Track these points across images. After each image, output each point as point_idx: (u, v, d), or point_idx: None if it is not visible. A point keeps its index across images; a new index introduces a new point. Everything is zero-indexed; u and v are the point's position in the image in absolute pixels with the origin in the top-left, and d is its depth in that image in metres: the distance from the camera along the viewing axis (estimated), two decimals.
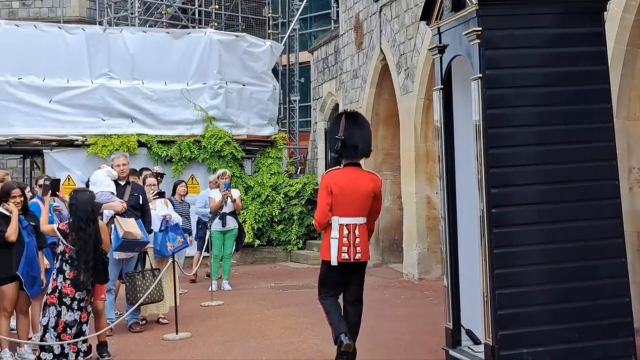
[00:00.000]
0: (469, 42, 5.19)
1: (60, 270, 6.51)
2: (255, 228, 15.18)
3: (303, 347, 7.38)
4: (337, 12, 17.23)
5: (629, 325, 5.23)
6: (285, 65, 20.70)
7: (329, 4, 20.21)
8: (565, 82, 5.26)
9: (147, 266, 8.72)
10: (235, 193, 11.63)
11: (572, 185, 5.23)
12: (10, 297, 6.86)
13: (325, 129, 16.66)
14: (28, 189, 8.35)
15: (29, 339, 7.02)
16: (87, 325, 6.62)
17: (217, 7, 21.70)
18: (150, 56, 15.05)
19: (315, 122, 18.45)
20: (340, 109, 15.06)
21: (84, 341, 6.64)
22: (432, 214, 11.37)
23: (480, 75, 5.10)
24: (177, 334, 8.09)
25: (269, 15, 21.95)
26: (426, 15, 5.99)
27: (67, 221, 6.72)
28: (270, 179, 15.65)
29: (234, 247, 11.65)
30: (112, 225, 8.22)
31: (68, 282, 6.48)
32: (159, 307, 8.81)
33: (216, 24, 20.91)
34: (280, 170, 16.02)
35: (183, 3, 21.34)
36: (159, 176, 10.84)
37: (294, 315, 9.06)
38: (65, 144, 14.52)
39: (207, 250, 11.29)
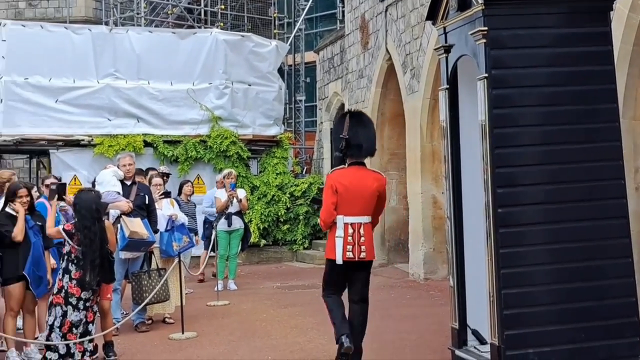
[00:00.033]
0: (474, 42, 5.19)
1: (66, 270, 6.53)
2: (261, 228, 15.19)
3: (309, 347, 7.38)
4: (343, 12, 17.23)
5: (635, 326, 5.22)
6: (291, 65, 20.71)
7: (335, 4, 20.22)
8: (572, 82, 5.25)
9: (153, 266, 8.74)
10: (241, 193, 11.64)
11: (578, 185, 5.22)
12: (16, 296, 6.89)
13: (331, 128, 16.67)
14: (35, 188, 8.37)
15: (36, 338, 7.03)
16: (93, 324, 6.63)
17: (223, 7, 21.73)
18: (156, 56, 15.08)
19: (321, 122, 18.45)
20: (346, 109, 15.05)
21: (90, 341, 6.65)
22: (438, 213, 11.36)
23: (486, 75, 5.09)
24: (183, 333, 8.10)
25: (275, 15, 21.97)
26: (432, 15, 5.98)
27: (73, 221, 6.73)
28: (276, 178, 15.67)
29: (239, 247, 11.66)
30: (118, 225, 8.23)
31: (74, 282, 6.50)
32: (165, 307, 8.83)
33: (222, 24, 20.94)
34: (286, 170, 16.03)
35: (189, 3, 21.37)
36: (165, 176, 10.85)
37: (299, 315, 9.07)
38: (72, 144, 14.56)
39: (213, 250, 11.31)
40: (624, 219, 5.27)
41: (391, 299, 10.05)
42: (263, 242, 15.26)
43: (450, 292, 5.79)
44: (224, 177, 11.52)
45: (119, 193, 8.48)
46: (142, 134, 14.81)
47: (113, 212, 8.40)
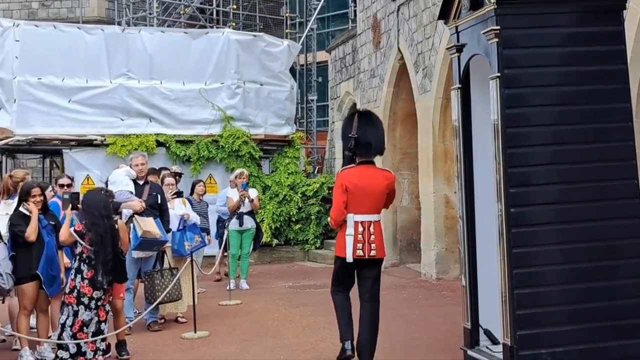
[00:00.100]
0: (487, 41, 5.18)
1: (79, 270, 6.55)
2: (273, 227, 15.20)
3: (321, 347, 7.39)
4: (355, 11, 17.23)
5: None
6: (302, 65, 20.72)
7: (347, 4, 20.21)
8: (584, 81, 5.23)
9: (166, 265, 8.77)
10: (253, 193, 11.66)
11: (591, 185, 5.20)
12: (30, 295, 6.93)
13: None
14: (50, 188, 8.42)
15: (49, 337, 7.07)
16: (105, 324, 6.65)
17: (235, 7, 21.77)
18: (168, 56, 15.11)
19: (333, 122, 18.45)
20: (359, 108, 15.04)
21: (103, 340, 6.67)
22: (450, 213, 11.33)
23: (499, 74, 5.08)
24: (195, 332, 8.13)
25: (287, 15, 21.99)
26: (444, 14, 5.97)
27: (84, 222, 6.75)
28: (287, 178, 15.67)
29: (252, 247, 11.69)
30: (131, 225, 8.27)
31: (86, 281, 6.52)
32: (177, 306, 8.86)
33: (234, 24, 20.98)
34: (297, 170, 16.03)
35: (201, 3, 21.42)
36: (177, 176, 10.88)
37: (311, 314, 9.07)
38: (85, 143, 14.61)
39: (225, 249, 11.35)
40: (636, 219, 5.24)
41: (403, 299, 10.04)
42: (275, 241, 15.28)
43: (463, 292, 5.79)
44: (235, 177, 11.54)
45: (131, 192, 8.52)
46: (155, 134, 14.84)
47: (126, 212, 8.43)
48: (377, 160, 6.50)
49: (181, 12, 21.25)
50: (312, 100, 20.42)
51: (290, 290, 11.42)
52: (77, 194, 7.39)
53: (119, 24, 20.13)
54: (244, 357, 7.25)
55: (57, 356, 6.55)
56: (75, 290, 6.52)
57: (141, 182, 8.71)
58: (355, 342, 6.36)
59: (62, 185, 8.40)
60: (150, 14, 20.25)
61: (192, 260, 8.65)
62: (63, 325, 6.52)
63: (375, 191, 6.31)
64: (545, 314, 5.08)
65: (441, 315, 8.64)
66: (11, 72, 14.35)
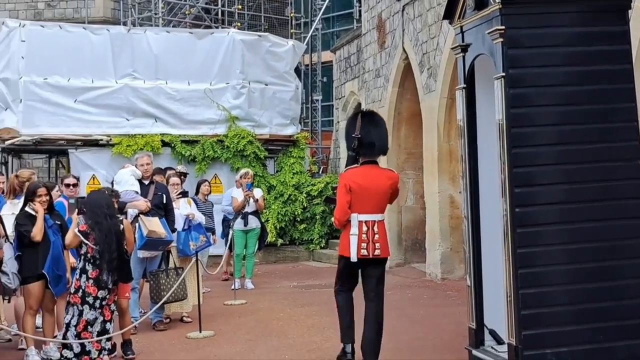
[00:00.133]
0: (491, 41, 5.18)
1: (84, 270, 6.57)
2: (278, 227, 15.22)
3: (325, 346, 7.39)
4: (360, 11, 17.22)
5: None
6: (307, 65, 20.72)
7: (352, 4, 20.20)
8: (589, 81, 5.22)
9: (171, 265, 8.78)
10: (258, 193, 11.68)
11: (596, 185, 5.19)
12: (36, 295, 6.95)
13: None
14: (57, 188, 8.45)
15: (55, 337, 7.09)
16: (111, 323, 6.67)
17: (240, 7, 21.77)
18: (173, 56, 15.14)
19: (338, 122, 18.44)
20: (363, 108, 15.04)
21: (109, 339, 6.69)
22: (455, 213, 11.33)
23: (504, 74, 5.08)
24: (200, 332, 8.14)
25: (292, 15, 21.99)
26: (449, 14, 5.97)
27: (87, 222, 6.77)
28: (292, 178, 15.69)
29: (256, 246, 11.70)
30: (137, 224, 8.28)
31: (91, 281, 6.54)
32: (182, 306, 8.87)
33: (239, 24, 21.00)
34: (302, 170, 16.04)
35: (206, 3, 21.43)
36: (183, 175, 10.90)
37: (316, 314, 9.08)
38: (90, 143, 14.64)
39: (231, 249, 11.36)
40: None
41: (408, 298, 10.04)
42: (280, 241, 15.29)
43: (468, 291, 5.78)
44: (240, 177, 11.56)
45: (137, 192, 8.54)
46: (160, 134, 14.87)
47: (131, 212, 8.46)
48: (382, 160, 6.50)
49: (186, 12, 21.27)
50: (317, 100, 20.43)
51: (295, 290, 11.43)
52: (84, 198, 7.43)
53: (125, 24, 20.15)
54: (249, 356, 7.26)
55: (62, 355, 6.57)
56: (80, 290, 6.54)
57: (146, 182, 8.73)
58: (356, 344, 6.42)
59: (68, 185, 8.43)
60: (155, 14, 20.27)
61: (197, 260, 8.66)
62: (68, 325, 6.55)
63: (379, 191, 6.35)
64: (550, 314, 5.07)
65: (446, 315, 8.64)
66: (17, 72, 14.40)
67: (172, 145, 14.91)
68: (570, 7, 5.28)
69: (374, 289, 6.38)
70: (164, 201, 8.70)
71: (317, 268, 14.28)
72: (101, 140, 14.63)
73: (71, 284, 6.92)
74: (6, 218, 7.06)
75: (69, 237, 6.73)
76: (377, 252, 6.29)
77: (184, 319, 8.98)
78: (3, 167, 14.83)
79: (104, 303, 6.58)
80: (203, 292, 9.28)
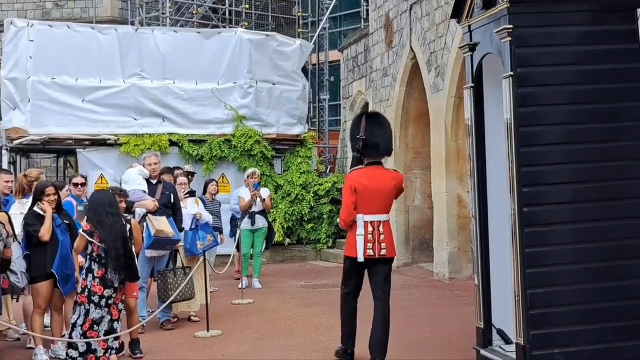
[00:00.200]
0: (500, 40, 5.17)
1: (90, 270, 6.59)
2: (285, 227, 15.22)
3: (333, 346, 7.37)
4: (367, 10, 17.20)
5: None
6: (315, 64, 20.73)
7: (359, 3, 20.19)
8: (598, 80, 5.21)
9: (179, 264, 8.80)
10: (265, 192, 11.69)
11: (604, 184, 5.18)
12: (44, 294, 6.97)
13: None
14: (67, 187, 8.47)
15: (63, 336, 7.11)
16: (118, 323, 6.68)
17: (247, 6, 21.79)
18: (181, 56, 15.16)
19: (345, 121, 18.43)
20: (370, 108, 15.05)
21: (117, 338, 6.71)
22: (463, 213, 11.31)
23: (512, 73, 5.07)
24: (208, 331, 8.15)
25: (299, 14, 22.00)
26: (457, 13, 5.96)
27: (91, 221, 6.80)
28: (300, 178, 15.69)
29: (264, 246, 11.71)
30: (145, 224, 8.30)
31: (97, 280, 6.55)
32: (190, 305, 8.88)
33: (247, 24, 21.01)
34: (310, 169, 16.04)
35: (214, 3, 21.45)
36: (190, 175, 10.92)
37: (323, 313, 9.08)
38: (98, 143, 14.68)
39: (237, 248, 11.37)
40: None
41: (416, 298, 10.03)
42: (287, 241, 15.29)
43: (476, 291, 5.77)
44: (247, 177, 11.57)
45: (145, 192, 8.55)
46: (168, 134, 14.89)
47: (139, 211, 8.47)
48: (389, 159, 6.52)
49: (194, 12, 21.29)
50: (325, 100, 20.43)
51: (303, 290, 11.43)
52: None
53: (132, 24, 20.19)
54: (257, 356, 7.27)
55: (67, 355, 6.59)
56: (87, 290, 6.55)
57: (154, 182, 8.75)
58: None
59: (76, 185, 8.46)
60: (163, 14, 20.30)
61: (204, 260, 8.67)
62: (74, 325, 6.56)
63: (384, 191, 6.42)
64: (558, 314, 5.06)
65: (454, 314, 8.63)
66: (25, 72, 14.45)
67: (180, 144, 14.93)
68: (578, 6, 5.27)
69: (381, 287, 6.44)
70: (172, 201, 8.71)
71: (324, 268, 14.28)
72: (109, 140, 14.66)
73: (79, 284, 6.94)
74: (15, 218, 7.08)
75: (76, 242, 6.77)
76: (383, 252, 6.36)
77: (192, 318, 8.99)
78: (12, 167, 14.88)
79: (110, 302, 6.58)
80: (211, 292, 9.29)
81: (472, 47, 5.73)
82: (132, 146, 14.48)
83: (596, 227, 5.14)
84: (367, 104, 16.46)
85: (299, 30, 21.45)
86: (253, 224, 11.38)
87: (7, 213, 6.83)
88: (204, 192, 11.58)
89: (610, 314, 5.10)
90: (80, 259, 7.33)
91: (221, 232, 11.28)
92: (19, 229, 7.02)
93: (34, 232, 6.87)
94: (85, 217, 6.89)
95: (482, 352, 5.66)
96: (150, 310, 8.90)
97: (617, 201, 5.19)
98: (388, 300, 6.45)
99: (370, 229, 6.34)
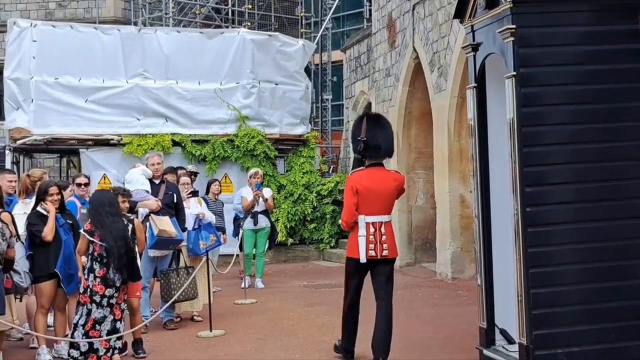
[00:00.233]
0: (502, 40, 5.17)
1: (91, 270, 6.60)
2: (288, 227, 15.22)
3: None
4: (370, 10, 17.20)
5: None
6: (317, 64, 20.72)
7: (362, 3, 20.19)
8: (600, 80, 5.21)
9: (182, 264, 8.80)
10: (267, 192, 11.70)
11: (606, 184, 5.18)
12: (47, 294, 6.98)
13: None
14: (70, 187, 8.48)
15: (66, 336, 7.12)
16: (121, 322, 6.69)
17: (250, 6, 21.80)
18: (184, 56, 15.16)
19: (348, 121, 18.43)
20: (373, 108, 15.05)
21: (119, 338, 6.71)
22: (466, 212, 11.30)
23: (515, 73, 5.07)
24: (211, 331, 8.16)
25: (302, 14, 22.00)
26: (459, 13, 5.96)
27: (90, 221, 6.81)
28: (302, 177, 15.68)
29: (267, 246, 11.72)
30: (147, 224, 8.31)
31: (98, 280, 6.56)
32: (193, 305, 8.88)
33: (249, 24, 21.01)
34: (312, 169, 16.04)
35: (217, 3, 21.47)
36: (193, 175, 10.92)
37: (326, 313, 9.08)
38: (101, 143, 14.69)
39: (240, 248, 11.38)
40: None
41: (418, 298, 10.02)
42: (290, 240, 15.30)
43: (478, 291, 5.78)
44: (250, 177, 11.58)
45: (147, 192, 8.56)
46: (171, 134, 14.89)
47: (142, 211, 8.48)
48: (392, 159, 6.54)
49: (197, 12, 21.30)
50: (327, 100, 20.43)
51: (305, 290, 11.43)
52: None
53: (135, 24, 20.22)
54: (259, 355, 7.27)
55: (69, 355, 6.59)
56: (89, 289, 6.56)
57: (157, 181, 8.76)
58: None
59: (79, 185, 8.47)
60: (166, 14, 20.33)
61: (207, 259, 8.68)
62: (76, 325, 6.57)
63: (385, 192, 6.45)
64: (561, 313, 5.07)
65: (456, 314, 8.63)
66: (28, 72, 14.46)
67: (183, 144, 14.94)
68: (581, 6, 5.27)
69: (384, 287, 6.47)
70: (175, 200, 8.72)
71: (327, 267, 14.28)
72: (112, 139, 14.67)
73: (82, 283, 6.96)
74: (18, 217, 7.09)
75: (79, 243, 6.79)
76: (385, 252, 6.40)
77: (195, 318, 9.00)
78: (15, 167, 14.88)
79: (112, 301, 6.59)
80: (213, 291, 9.29)
81: (475, 47, 5.73)
82: (135, 146, 14.48)
83: (599, 227, 5.14)
84: (369, 104, 16.45)
85: (302, 30, 21.45)
86: (255, 223, 11.39)
87: (10, 213, 6.83)
88: (207, 192, 11.58)
89: (614, 314, 5.10)
90: (83, 259, 7.35)
91: (224, 232, 11.29)
92: (22, 229, 7.02)
93: (37, 231, 6.88)
94: (89, 219, 6.91)
95: (485, 351, 5.66)
96: (153, 310, 8.91)
97: (620, 201, 5.19)
98: (390, 300, 6.47)
99: (371, 229, 6.37)
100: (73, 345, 6.56)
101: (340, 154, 19.07)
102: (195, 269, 8.45)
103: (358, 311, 6.69)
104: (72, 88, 14.60)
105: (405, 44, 13.28)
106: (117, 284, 6.60)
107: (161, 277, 8.55)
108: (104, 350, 6.57)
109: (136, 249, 7.13)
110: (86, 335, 6.51)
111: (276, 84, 15.83)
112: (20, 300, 7.55)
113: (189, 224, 8.88)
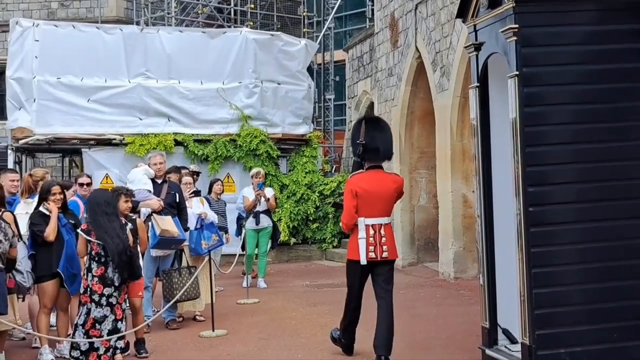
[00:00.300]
0: (505, 40, 5.16)
1: (89, 269, 6.61)
2: (291, 226, 15.22)
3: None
4: (372, 10, 17.20)
5: None
6: (320, 64, 20.72)
7: (364, 3, 20.19)
8: (603, 79, 5.20)
9: (184, 264, 8.80)
10: (269, 192, 11.69)
11: (610, 184, 5.17)
12: (50, 294, 6.98)
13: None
14: (74, 187, 8.48)
15: (68, 335, 7.12)
16: (122, 322, 6.68)
17: (252, 6, 21.80)
18: (186, 56, 15.16)
19: (350, 121, 18.43)
20: (375, 107, 15.05)
21: (122, 338, 6.71)
22: (468, 212, 11.29)
23: (517, 72, 5.07)
24: (213, 331, 8.16)
25: (304, 14, 22.01)
26: (462, 13, 5.96)
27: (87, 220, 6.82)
28: (305, 177, 15.68)
29: (269, 245, 11.72)
30: (150, 223, 8.31)
31: (96, 279, 6.56)
32: (195, 305, 8.88)
33: (252, 23, 21.02)
34: (315, 169, 16.03)
35: (219, 3, 21.48)
36: (195, 175, 10.92)
37: (329, 313, 9.07)
38: (103, 142, 14.69)
39: (242, 248, 11.38)
40: None
41: (421, 298, 10.02)
42: (292, 240, 15.29)
43: (481, 291, 5.77)
44: (252, 177, 11.58)
45: (150, 191, 8.57)
46: (173, 133, 14.89)
47: (144, 210, 8.48)
48: (394, 158, 6.56)
49: (199, 12, 21.31)
50: (330, 99, 20.41)
51: (308, 289, 11.43)
52: None
53: (138, 23, 20.21)
54: (262, 355, 7.27)
55: (70, 355, 6.59)
56: (88, 289, 6.57)
57: (159, 181, 8.76)
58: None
59: (82, 184, 8.48)
60: (168, 13, 20.32)
61: (209, 259, 8.68)
62: (76, 326, 6.58)
63: (385, 195, 6.50)
64: (564, 313, 5.06)
65: (459, 314, 8.62)
66: (31, 72, 14.46)
67: (185, 144, 14.94)
68: (584, 5, 5.26)
69: (384, 287, 6.52)
70: (177, 200, 8.72)
71: (329, 267, 14.28)
72: (114, 139, 14.67)
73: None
74: (20, 217, 7.09)
75: (78, 243, 6.79)
76: (385, 254, 6.46)
77: (197, 317, 9.00)
78: (17, 167, 14.89)
79: (111, 301, 6.58)
80: (216, 291, 9.29)
81: (478, 47, 5.72)
82: (137, 146, 14.48)
83: (602, 227, 5.13)
84: (372, 104, 16.45)
85: (304, 30, 21.46)
86: (257, 223, 11.38)
87: (12, 212, 6.84)
88: (209, 192, 11.58)
89: (616, 314, 5.09)
90: (86, 259, 7.36)
91: (226, 232, 11.28)
92: (24, 229, 7.03)
93: (39, 231, 6.88)
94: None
95: (488, 351, 5.66)
96: (155, 310, 8.91)
97: (622, 201, 5.19)
98: (391, 299, 6.52)
99: (371, 232, 6.43)
100: (73, 346, 6.56)
101: (343, 153, 19.06)
102: (197, 269, 8.45)
103: (359, 311, 6.75)
104: (74, 88, 14.60)
105: (408, 43, 13.27)
106: (116, 283, 6.60)
107: (163, 277, 8.55)
108: (104, 350, 6.57)
109: (138, 248, 7.14)
110: (86, 334, 6.51)
111: (279, 84, 15.82)
112: (23, 300, 7.54)
113: (192, 223, 8.88)
